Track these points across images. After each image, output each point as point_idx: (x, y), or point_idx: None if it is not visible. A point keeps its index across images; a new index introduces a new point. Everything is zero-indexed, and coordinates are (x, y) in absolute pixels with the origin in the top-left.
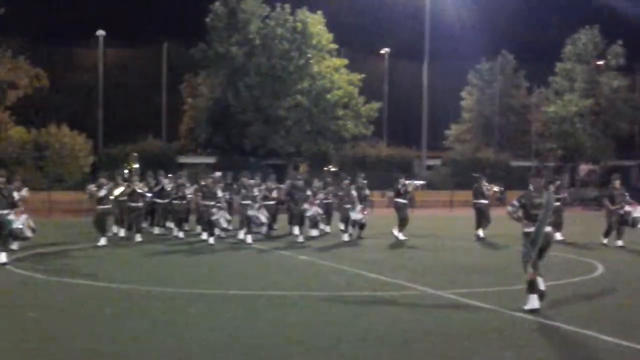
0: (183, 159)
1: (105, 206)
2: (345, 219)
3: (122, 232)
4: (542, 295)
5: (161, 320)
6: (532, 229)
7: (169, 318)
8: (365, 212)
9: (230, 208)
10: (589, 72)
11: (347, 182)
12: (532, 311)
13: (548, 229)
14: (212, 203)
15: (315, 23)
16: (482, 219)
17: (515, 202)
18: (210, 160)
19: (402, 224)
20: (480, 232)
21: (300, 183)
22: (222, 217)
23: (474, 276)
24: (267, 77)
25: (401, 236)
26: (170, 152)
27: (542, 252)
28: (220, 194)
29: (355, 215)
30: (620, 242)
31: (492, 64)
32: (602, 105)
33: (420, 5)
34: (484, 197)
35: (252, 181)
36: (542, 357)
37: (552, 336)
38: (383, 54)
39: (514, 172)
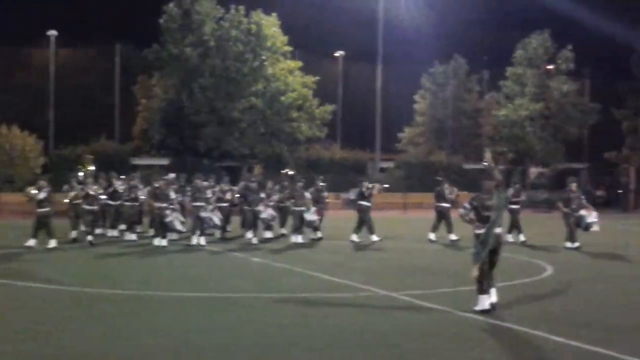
0: (136, 161)
1: (45, 209)
2: (299, 221)
3: (73, 234)
4: (492, 307)
5: (110, 323)
6: (483, 231)
7: (118, 321)
8: (320, 215)
9: (183, 210)
10: (539, 76)
11: (300, 184)
12: (483, 312)
13: (499, 230)
14: (165, 205)
15: (270, 25)
16: (442, 222)
17: (467, 205)
18: (164, 161)
19: (361, 226)
20: (432, 236)
21: (254, 185)
22: (176, 219)
23: (427, 278)
24: (222, 79)
25: (355, 237)
26: (123, 154)
27: (493, 254)
28: (173, 195)
29: (310, 217)
30: (571, 244)
31: (445, 67)
32: (552, 109)
33: (375, 8)
34: (445, 200)
35: (205, 183)
36: (492, 357)
37: (502, 336)
38: (337, 57)
39: (466, 174)
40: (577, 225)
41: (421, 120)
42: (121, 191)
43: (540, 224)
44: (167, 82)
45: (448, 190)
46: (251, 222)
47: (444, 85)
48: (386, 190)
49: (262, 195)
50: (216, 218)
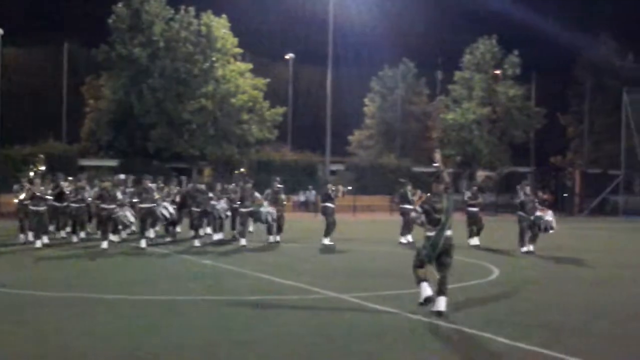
0: (84, 162)
1: None
2: (245, 223)
3: (21, 238)
4: (428, 300)
5: (54, 327)
6: (433, 233)
7: (65, 324)
8: (280, 216)
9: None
10: (487, 81)
11: (249, 185)
12: (427, 300)
13: (449, 232)
14: (113, 206)
15: (220, 27)
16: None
17: (419, 208)
18: (112, 163)
19: (330, 228)
20: (403, 239)
21: (203, 187)
22: (126, 212)
23: (376, 280)
24: (171, 80)
25: (327, 241)
26: (71, 155)
27: (441, 255)
28: (120, 196)
29: (265, 210)
30: (531, 247)
31: (394, 71)
32: (498, 113)
33: (325, 11)
34: (408, 202)
35: (153, 185)
36: (439, 358)
37: (450, 338)
38: (287, 60)
39: (415, 177)
40: (536, 228)
41: (371, 123)
42: (68, 192)
43: (486, 227)
44: (116, 83)
45: (411, 192)
46: (200, 223)
47: (393, 88)
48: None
49: (211, 196)
50: (166, 212)
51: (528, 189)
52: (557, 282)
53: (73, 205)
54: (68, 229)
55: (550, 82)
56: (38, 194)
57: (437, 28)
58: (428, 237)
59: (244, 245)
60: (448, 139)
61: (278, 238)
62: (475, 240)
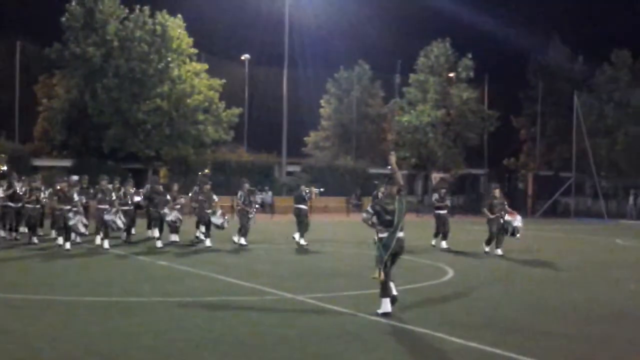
0: (37, 162)
1: None
2: (207, 224)
3: None
4: (393, 300)
5: (5, 329)
6: (385, 234)
7: (14, 326)
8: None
9: (86, 212)
10: (441, 83)
11: (208, 186)
12: (385, 314)
13: (401, 234)
14: (68, 207)
15: (175, 27)
16: None
17: (370, 209)
18: (66, 163)
19: (304, 229)
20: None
21: (160, 187)
22: (79, 222)
23: (332, 281)
24: (126, 80)
25: (303, 241)
26: (24, 154)
27: (394, 257)
28: (76, 197)
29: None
30: (499, 251)
31: (349, 73)
32: (452, 116)
33: (281, 12)
34: None
35: (110, 185)
36: (394, 358)
37: (404, 338)
38: (243, 60)
39: (371, 179)
40: (504, 231)
41: (327, 124)
42: (21, 193)
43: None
44: (70, 82)
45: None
46: (157, 224)
47: (349, 90)
48: (290, 193)
49: (168, 197)
50: (119, 221)
51: (497, 192)
52: (510, 282)
53: (28, 205)
54: (23, 229)
55: (503, 85)
56: None
57: (392, 30)
58: (380, 239)
59: (207, 246)
60: (403, 141)
61: (243, 241)
62: (443, 244)
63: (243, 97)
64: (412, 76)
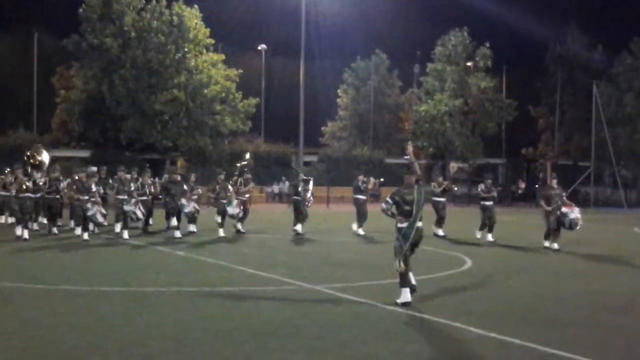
0: (56, 153)
1: None
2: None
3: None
4: (413, 289)
5: (28, 319)
6: (405, 225)
7: (37, 316)
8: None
9: (105, 203)
10: (459, 73)
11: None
12: (405, 304)
13: (419, 224)
14: (86, 197)
15: (192, 17)
16: None
17: (389, 199)
18: (84, 154)
19: (362, 219)
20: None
21: (177, 177)
22: (97, 212)
23: (350, 271)
24: (143, 71)
25: (361, 231)
26: (42, 145)
27: (413, 246)
28: (94, 188)
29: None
30: (555, 245)
31: (366, 62)
32: (470, 105)
33: (297, 2)
34: None
35: (128, 175)
36: (413, 348)
37: (423, 328)
38: (260, 51)
39: (388, 169)
40: (561, 224)
41: (344, 114)
42: (41, 184)
43: (459, 218)
44: (87, 73)
45: None
46: (174, 214)
47: (366, 80)
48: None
49: (185, 187)
50: (139, 212)
51: (555, 182)
52: (528, 272)
53: (47, 196)
54: (41, 220)
55: (521, 75)
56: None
57: (409, 20)
58: (400, 229)
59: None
60: (420, 130)
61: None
62: (489, 236)
63: (260, 88)
64: (429, 65)
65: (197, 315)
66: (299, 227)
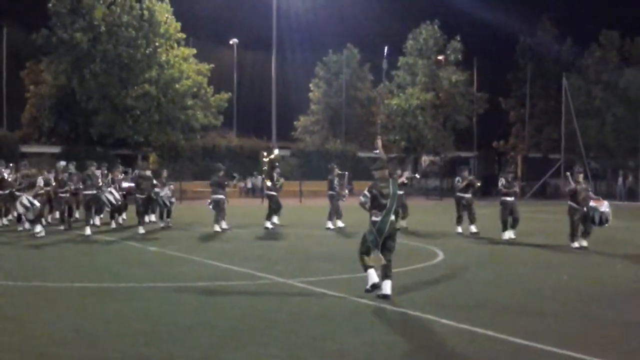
0: (26, 148)
1: None
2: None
3: None
4: (375, 286)
5: (0, 315)
6: (379, 218)
7: (9, 312)
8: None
9: (76, 198)
10: (430, 66)
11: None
12: (374, 286)
13: (393, 217)
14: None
15: (162, 11)
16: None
17: (367, 193)
18: (55, 149)
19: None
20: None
21: (148, 173)
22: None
23: (322, 264)
24: (114, 65)
25: (330, 225)
26: (12, 141)
27: (387, 240)
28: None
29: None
30: (585, 242)
31: (338, 56)
32: (442, 98)
33: None
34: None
35: (98, 171)
36: (385, 340)
37: (395, 320)
38: (232, 45)
39: (360, 162)
40: (590, 220)
41: (316, 108)
42: (10, 180)
43: (431, 211)
44: (57, 68)
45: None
46: (143, 210)
47: (338, 74)
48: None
49: (155, 182)
50: (112, 197)
51: (581, 177)
52: (499, 263)
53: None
54: (10, 217)
55: (492, 68)
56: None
57: (381, 13)
58: (374, 222)
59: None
60: (392, 124)
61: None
62: (511, 233)
63: (232, 82)
64: (401, 59)
65: (170, 309)
66: (337, 223)
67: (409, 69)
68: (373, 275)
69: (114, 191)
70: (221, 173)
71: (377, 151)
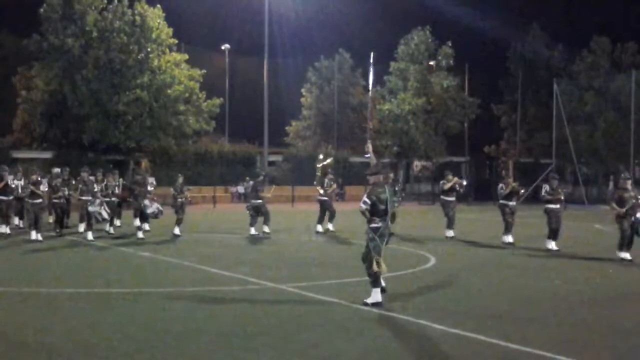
0: (18, 154)
1: None
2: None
3: None
4: (383, 290)
5: None
6: (380, 224)
7: (1, 319)
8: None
9: (68, 204)
10: (421, 72)
11: (260, 178)
12: (375, 305)
13: (388, 221)
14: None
15: (154, 17)
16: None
17: (367, 199)
18: (47, 155)
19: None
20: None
21: (140, 179)
22: (101, 211)
23: (314, 270)
24: (106, 71)
25: (451, 233)
26: (3, 147)
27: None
28: (96, 187)
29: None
30: (628, 255)
31: (330, 62)
32: (433, 104)
33: (260, 1)
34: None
35: (92, 177)
36: (376, 345)
37: (387, 325)
38: (224, 50)
39: (353, 168)
40: (635, 231)
41: (308, 114)
42: (13, 186)
43: (423, 216)
44: (49, 74)
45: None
46: (138, 215)
47: (330, 79)
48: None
49: (150, 189)
50: (104, 212)
51: (629, 183)
52: (490, 268)
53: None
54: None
55: (484, 73)
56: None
57: (373, 19)
58: (375, 229)
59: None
60: (384, 129)
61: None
62: (553, 244)
63: (224, 88)
64: (392, 64)
65: (161, 315)
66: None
67: (400, 74)
68: (378, 295)
69: (105, 207)
70: (260, 178)
71: (368, 155)
